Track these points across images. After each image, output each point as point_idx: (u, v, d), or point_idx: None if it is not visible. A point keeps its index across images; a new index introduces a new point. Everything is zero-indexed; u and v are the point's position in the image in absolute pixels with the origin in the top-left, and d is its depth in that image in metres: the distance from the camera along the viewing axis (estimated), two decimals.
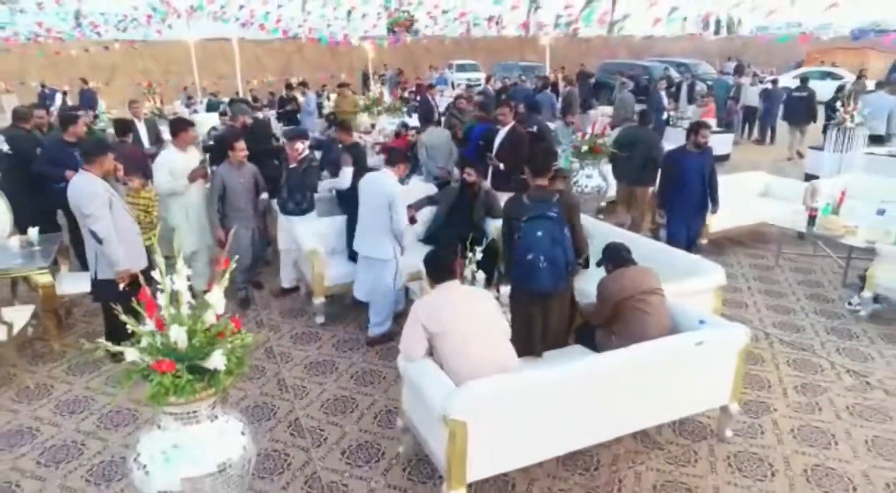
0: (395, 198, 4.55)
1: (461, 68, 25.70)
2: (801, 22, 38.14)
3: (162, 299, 2.12)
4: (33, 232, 4.94)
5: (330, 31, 20.63)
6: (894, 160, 8.35)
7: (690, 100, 15.59)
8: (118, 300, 4.04)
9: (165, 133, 8.61)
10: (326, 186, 6.51)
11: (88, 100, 14.53)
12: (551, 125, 9.94)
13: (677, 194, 5.78)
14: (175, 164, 5.31)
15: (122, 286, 4.13)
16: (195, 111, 16.25)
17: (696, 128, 5.70)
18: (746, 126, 14.55)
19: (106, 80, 22.98)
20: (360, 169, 6.26)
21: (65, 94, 16.44)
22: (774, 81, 14.05)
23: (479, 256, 4.13)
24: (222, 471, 2.19)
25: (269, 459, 3.47)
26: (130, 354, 2.08)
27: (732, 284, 5.95)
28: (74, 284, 4.87)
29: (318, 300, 5.07)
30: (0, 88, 17.57)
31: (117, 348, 2.11)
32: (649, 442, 3.60)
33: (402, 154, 5.12)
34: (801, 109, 12.05)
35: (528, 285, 3.75)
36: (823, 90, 15.26)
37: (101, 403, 4.05)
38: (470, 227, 5.32)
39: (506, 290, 4.05)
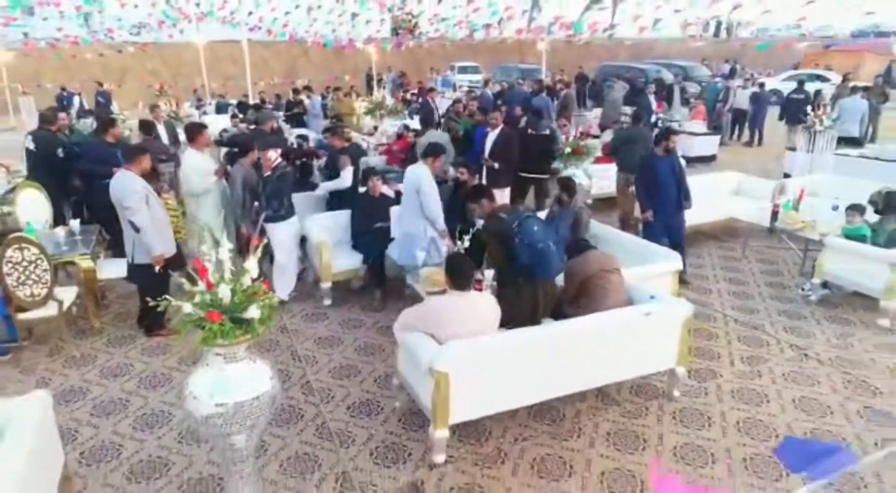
0: (421, 185, 5.26)
1: (462, 70, 26.35)
2: (800, 24, 38.70)
3: (210, 267, 2.77)
4: (74, 223, 5.62)
5: (335, 35, 21.28)
6: (863, 161, 8.98)
7: (682, 102, 16.24)
8: (151, 281, 4.76)
9: (182, 135, 9.35)
10: (328, 187, 7.09)
11: (103, 102, 15.22)
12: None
13: (656, 197, 6.18)
14: (200, 164, 5.98)
15: (157, 269, 4.80)
16: (205, 113, 16.94)
17: (666, 134, 6.28)
18: (736, 128, 15.16)
19: (117, 82, 23.71)
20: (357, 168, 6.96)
21: (79, 95, 17.15)
22: (762, 85, 14.65)
23: (466, 244, 4.84)
24: (256, 399, 2.84)
25: (285, 412, 4.13)
26: (187, 307, 2.72)
27: (701, 272, 6.62)
28: (111, 269, 5.55)
29: (326, 285, 5.74)
30: (17, 91, 18.25)
31: (178, 303, 2.75)
32: (608, 400, 4.24)
33: (437, 149, 5.71)
34: (797, 110, 12.64)
35: (542, 270, 4.16)
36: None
37: (139, 369, 4.72)
38: (463, 220, 5.93)
39: (489, 273, 4.71)
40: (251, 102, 15.45)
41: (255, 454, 3.17)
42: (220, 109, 17.57)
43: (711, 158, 12.19)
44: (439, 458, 3.60)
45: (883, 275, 5.20)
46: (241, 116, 12.50)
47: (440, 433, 3.53)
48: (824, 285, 5.79)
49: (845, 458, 1.46)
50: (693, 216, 7.03)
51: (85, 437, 3.89)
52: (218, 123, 13.66)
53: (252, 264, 2.83)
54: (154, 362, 4.82)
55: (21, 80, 20.50)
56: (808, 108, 9.40)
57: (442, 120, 10.65)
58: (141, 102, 19.30)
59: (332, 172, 7.20)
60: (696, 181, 7.38)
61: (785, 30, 39.29)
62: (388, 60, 27.81)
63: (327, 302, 5.77)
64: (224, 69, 24.86)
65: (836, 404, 4.20)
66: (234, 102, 17.89)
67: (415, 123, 10.72)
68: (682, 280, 5.97)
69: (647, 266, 4.90)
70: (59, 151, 6.95)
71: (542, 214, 6.22)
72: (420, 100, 12.96)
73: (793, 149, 9.68)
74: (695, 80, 20.85)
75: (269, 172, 5.68)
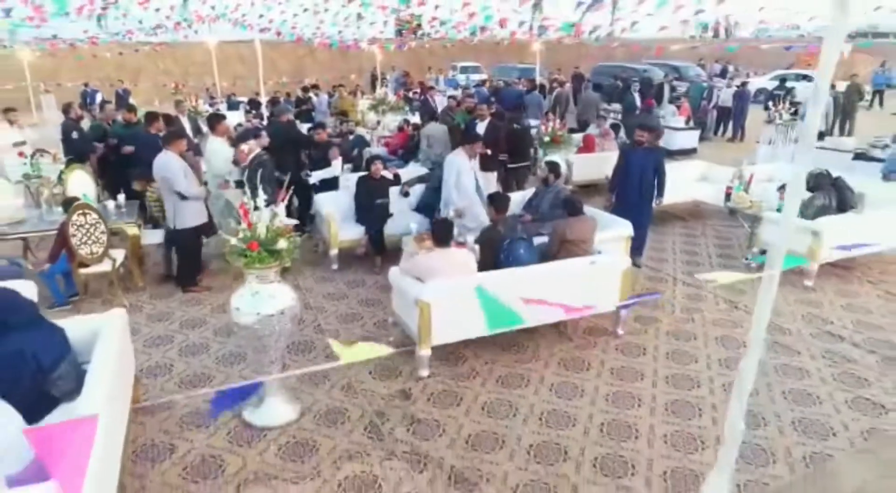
0: (448, 167, 6.25)
1: (464, 70, 27.40)
2: (798, 24, 39.51)
3: (251, 211, 3.76)
4: (121, 198, 6.65)
5: (341, 35, 22.34)
6: (821, 152, 9.91)
7: (671, 100, 17.19)
8: (188, 243, 5.77)
9: (204, 127, 10.43)
10: (320, 176, 7.98)
11: (123, 99, 16.34)
12: (535, 121, 11.61)
13: (620, 184, 6.89)
14: (221, 150, 6.98)
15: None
16: (218, 110, 17.99)
17: (635, 129, 7.18)
18: (721, 125, 16.11)
19: (131, 80, 24.82)
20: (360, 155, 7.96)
21: (100, 92, 18.26)
22: (744, 84, 15.59)
23: (451, 213, 5.84)
24: (282, 313, 3.83)
25: (301, 345, 5.13)
26: (234, 240, 3.71)
27: (661, 245, 7.60)
28: (150, 237, 6.58)
29: (334, 252, 6.74)
30: (40, 89, 19.37)
31: (232, 237, 3.73)
32: (564, 337, 5.23)
33: (474, 137, 6.69)
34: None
35: None
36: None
37: (179, 315, 5.74)
38: None
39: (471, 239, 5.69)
40: (263, 99, 16.52)
41: (280, 362, 4.17)
42: (232, 106, 18.61)
43: (692, 151, 13.13)
44: (423, 372, 4.60)
45: (807, 242, 6.16)
46: (253, 112, 13.57)
47: (424, 352, 4.53)
48: (763, 252, 6.75)
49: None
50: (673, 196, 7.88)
51: (141, 360, 4.90)
52: (232, 119, 14.72)
53: (281, 210, 3.83)
54: (191, 310, 5.83)
55: (40, 78, 21.64)
56: (770, 103, 10.37)
57: (439, 115, 11.63)
58: (157, 99, 20.42)
59: (322, 163, 8.05)
60: (667, 168, 8.34)
61: (784, 31, 40.07)
62: (391, 60, 28.84)
63: (334, 266, 6.77)
64: (232, 68, 25.89)
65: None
66: (245, 99, 18.98)
67: (415, 119, 11.72)
68: (636, 264, 6.80)
69: (604, 232, 5.87)
70: (74, 134, 8.14)
71: (522, 195, 7.24)
72: (421, 98, 13.95)
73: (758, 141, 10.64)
74: (687, 80, 21.74)
75: (246, 163, 6.18)
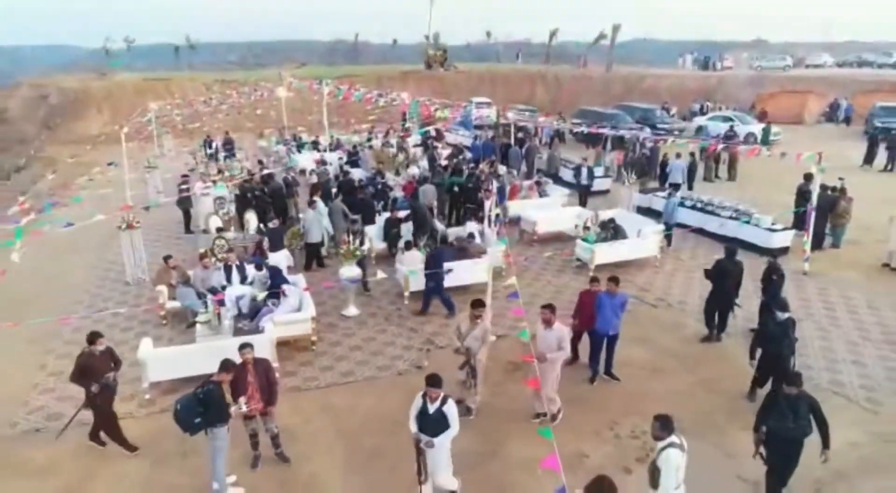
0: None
1: (479, 105, 35.66)
2: (786, 55, 46.25)
3: (349, 240, 12.03)
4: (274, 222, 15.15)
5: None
6: (657, 199, 17.82)
7: (614, 147, 25.06)
8: (311, 249, 14.45)
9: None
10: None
11: (230, 145, 25.24)
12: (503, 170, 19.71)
13: None
14: (321, 204, 15.39)
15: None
16: (290, 150, 26.46)
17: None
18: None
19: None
20: (387, 198, 16.43)
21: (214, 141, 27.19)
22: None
23: (424, 241, 14.17)
24: (359, 273, 12.11)
25: (359, 290, 13.44)
26: (342, 251, 12.00)
27: (530, 260, 15.71)
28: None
29: (373, 254, 15.08)
30: (163, 131, 28.32)
31: (340, 249, 12.02)
32: (471, 294, 13.42)
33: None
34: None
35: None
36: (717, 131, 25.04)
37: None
38: (429, 232, 15.13)
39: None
40: (322, 140, 25.12)
41: (354, 293, 12.53)
42: (299, 147, 27.12)
43: (606, 192, 20.99)
44: (406, 302, 12.90)
45: (590, 255, 14.17)
46: (320, 157, 22.10)
47: (406, 293, 12.84)
48: (578, 259, 14.77)
49: None
50: (550, 227, 16.01)
51: None
52: (304, 161, 23.39)
53: (356, 244, 12.19)
54: (312, 277, 14.19)
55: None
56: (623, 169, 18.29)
57: (439, 168, 19.73)
58: (236, 135, 29.17)
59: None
60: (556, 212, 16.43)
61: (777, 60, 46.84)
62: (422, 91, 37.26)
63: (374, 262, 15.09)
64: (293, 106, 34.62)
65: (545, 296, 13.26)
66: (310, 140, 27.49)
67: (416, 172, 20.00)
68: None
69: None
70: (246, 194, 16.62)
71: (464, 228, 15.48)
72: (428, 153, 22.15)
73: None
74: (649, 124, 29.35)
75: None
